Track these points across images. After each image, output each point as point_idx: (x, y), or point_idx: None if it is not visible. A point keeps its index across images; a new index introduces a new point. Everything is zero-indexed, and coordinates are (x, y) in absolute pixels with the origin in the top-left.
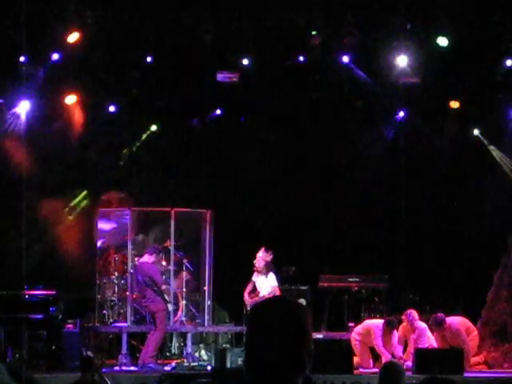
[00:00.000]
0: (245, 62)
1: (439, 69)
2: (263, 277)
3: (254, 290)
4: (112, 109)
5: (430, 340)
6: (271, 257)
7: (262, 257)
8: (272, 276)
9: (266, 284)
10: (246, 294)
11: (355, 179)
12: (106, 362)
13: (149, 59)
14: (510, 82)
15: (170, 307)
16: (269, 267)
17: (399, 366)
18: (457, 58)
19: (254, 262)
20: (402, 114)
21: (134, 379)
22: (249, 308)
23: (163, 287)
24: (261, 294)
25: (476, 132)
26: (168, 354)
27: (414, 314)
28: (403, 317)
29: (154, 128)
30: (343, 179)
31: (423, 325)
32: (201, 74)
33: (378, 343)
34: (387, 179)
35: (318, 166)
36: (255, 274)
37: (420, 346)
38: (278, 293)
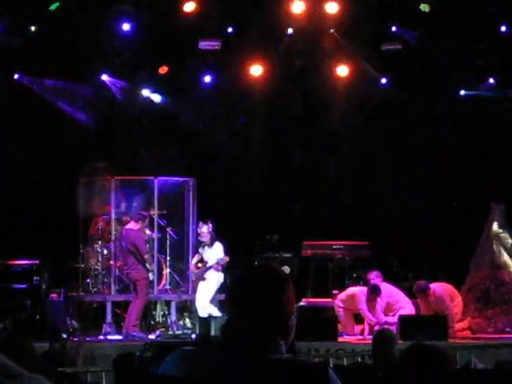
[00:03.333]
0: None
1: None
2: (209, 248)
3: (201, 260)
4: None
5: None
6: (211, 226)
7: (205, 232)
8: (218, 246)
9: (212, 254)
10: (192, 265)
11: (339, 145)
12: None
13: (127, 27)
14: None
15: (151, 276)
16: (213, 237)
17: (392, 333)
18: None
19: (199, 238)
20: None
21: (118, 348)
22: (193, 278)
23: (146, 256)
24: (208, 265)
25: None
26: (152, 322)
27: (376, 273)
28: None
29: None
30: (327, 146)
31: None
32: (183, 41)
33: (362, 307)
34: (370, 146)
35: (301, 131)
36: (201, 247)
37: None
38: (224, 259)
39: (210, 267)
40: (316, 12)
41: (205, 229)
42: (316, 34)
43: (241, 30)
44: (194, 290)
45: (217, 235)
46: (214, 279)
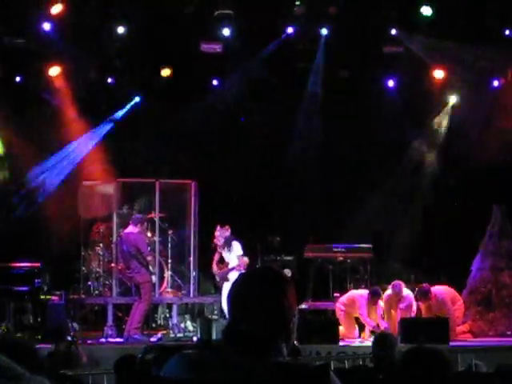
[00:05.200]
0: (226, 32)
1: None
2: (227, 251)
3: (222, 260)
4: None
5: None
6: (229, 230)
7: (219, 235)
8: (236, 246)
9: (232, 255)
10: (214, 265)
11: (341, 149)
12: (90, 333)
13: (122, 30)
14: None
15: (155, 278)
16: (229, 240)
17: (392, 335)
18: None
19: (214, 240)
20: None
21: (119, 351)
22: (217, 279)
23: (149, 258)
24: (230, 266)
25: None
26: (154, 325)
27: (401, 284)
28: (390, 287)
29: (137, 99)
30: (328, 148)
31: (410, 294)
32: (184, 44)
33: (362, 313)
34: (370, 148)
35: (301, 135)
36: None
37: (413, 315)
38: (245, 261)
39: (233, 268)
40: (317, 14)
41: (217, 232)
42: (317, 36)
43: (240, 31)
44: (220, 291)
45: (232, 238)
46: None
